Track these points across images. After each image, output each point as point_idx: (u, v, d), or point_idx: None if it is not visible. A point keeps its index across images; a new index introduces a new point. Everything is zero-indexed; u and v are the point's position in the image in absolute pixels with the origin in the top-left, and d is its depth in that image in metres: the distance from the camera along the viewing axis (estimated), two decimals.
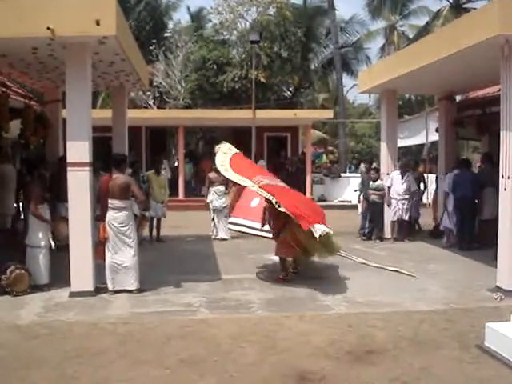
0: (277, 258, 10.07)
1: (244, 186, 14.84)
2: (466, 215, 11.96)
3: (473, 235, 12.11)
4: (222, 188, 13.86)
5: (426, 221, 14.81)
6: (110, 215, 8.45)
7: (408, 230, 13.63)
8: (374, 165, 17.17)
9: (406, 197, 13.18)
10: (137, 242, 8.78)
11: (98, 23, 7.65)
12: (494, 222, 9.07)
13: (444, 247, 12.31)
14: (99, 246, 8.53)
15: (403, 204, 13.17)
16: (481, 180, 11.95)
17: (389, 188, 13.34)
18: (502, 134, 8.35)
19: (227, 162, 10.08)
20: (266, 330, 6.73)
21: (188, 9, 37.33)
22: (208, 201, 13.96)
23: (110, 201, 8.46)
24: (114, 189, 8.46)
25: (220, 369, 5.52)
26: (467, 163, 12.78)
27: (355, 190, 16.06)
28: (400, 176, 13.28)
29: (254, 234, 13.30)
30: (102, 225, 8.47)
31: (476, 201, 12.07)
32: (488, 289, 8.49)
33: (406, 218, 13.30)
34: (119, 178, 8.58)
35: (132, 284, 8.51)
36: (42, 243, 8.58)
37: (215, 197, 13.82)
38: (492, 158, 12.16)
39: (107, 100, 28.58)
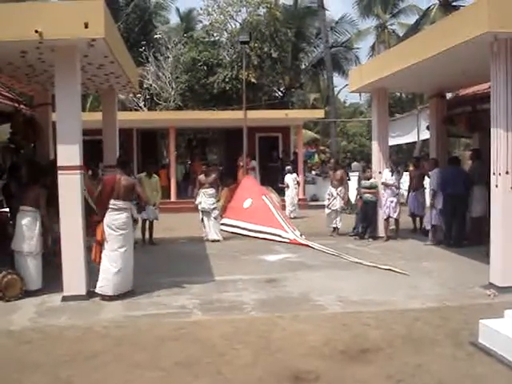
0: (272, 259, 10.07)
1: (236, 188, 14.93)
2: (457, 212, 11.99)
3: (463, 232, 12.15)
4: (210, 191, 13.87)
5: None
6: (112, 216, 8.35)
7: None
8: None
9: (395, 194, 13.25)
10: (132, 245, 8.76)
11: (86, 26, 7.61)
12: (485, 219, 9.09)
13: (431, 245, 12.37)
14: (96, 247, 8.46)
15: (391, 202, 13.22)
16: (471, 177, 11.98)
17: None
18: (493, 131, 8.37)
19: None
20: (260, 330, 6.72)
21: (177, 10, 37.17)
22: (197, 202, 13.98)
23: (112, 201, 8.37)
24: (119, 190, 8.41)
25: (214, 370, 5.50)
26: (456, 160, 12.82)
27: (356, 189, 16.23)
28: (390, 174, 13.33)
29: (247, 235, 13.34)
30: (101, 226, 8.38)
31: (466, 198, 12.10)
32: (481, 286, 8.50)
33: (395, 215, 13.35)
34: (124, 178, 8.56)
35: (128, 286, 8.49)
36: (32, 249, 8.47)
37: (204, 198, 13.83)
38: (481, 155, 12.20)
39: (94, 103, 28.50)
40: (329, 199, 14.42)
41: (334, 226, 14.34)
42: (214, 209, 13.84)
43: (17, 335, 6.71)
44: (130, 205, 8.63)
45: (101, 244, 8.39)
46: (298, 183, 19.72)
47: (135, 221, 9.81)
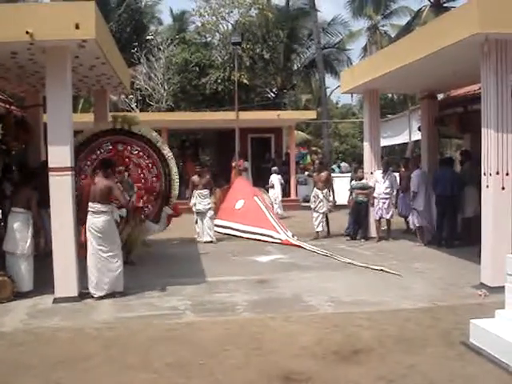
0: (263, 259, 10.05)
1: (228, 189, 14.93)
2: (447, 213, 12.01)
3: (454, 233, 12.18)
4: (204, 192, 13.85)
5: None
6: (91, 220, 8.40)
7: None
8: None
9: (387, 196, 13.25)
10: (119, 246, 8.73)
11: (77, 27, 7.61)
12: (476, 219, 9.10)
13: (420, 245, 12.42)
14: (81, 249, 8.50)
15: (384, 203, 13.23)
16: (462, 178, 12.00)
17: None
18: (484, 131, 8.40)
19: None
20: (252, 331, 6.72)
21: (171, 11, 37.16)
22: (191, 204, 13.96)
23: (90, 204, 8.41)
24: (95, 192, 8.44)
25: (206, 372, 5.50)
26: (450, 161, 12.85)
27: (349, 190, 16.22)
28: (382, 175, 13.35)
29: (239, 236, 13.33)
30: (83, 228, 8.48)
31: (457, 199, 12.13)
32: (472, 286, 8.53)
33: (388, 216, 13.36)
34: (101, 181, 8.55)
35: (118, 287, 8.50)
36: (24, 251, 8.44)
37: (198, 200, 13.82)
38: (471, 156, 12.23)
39: (86, 104, 28.42)
40: (315, 201, 14.18)
41: (319, 229, 14.14)
42: (209, 209, 13.82)
43: (8, 337, 6.68)
44: (111, 207, 8.64)
45: (85, 246, 8.48)
46: (281, 184, 20.26)
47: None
